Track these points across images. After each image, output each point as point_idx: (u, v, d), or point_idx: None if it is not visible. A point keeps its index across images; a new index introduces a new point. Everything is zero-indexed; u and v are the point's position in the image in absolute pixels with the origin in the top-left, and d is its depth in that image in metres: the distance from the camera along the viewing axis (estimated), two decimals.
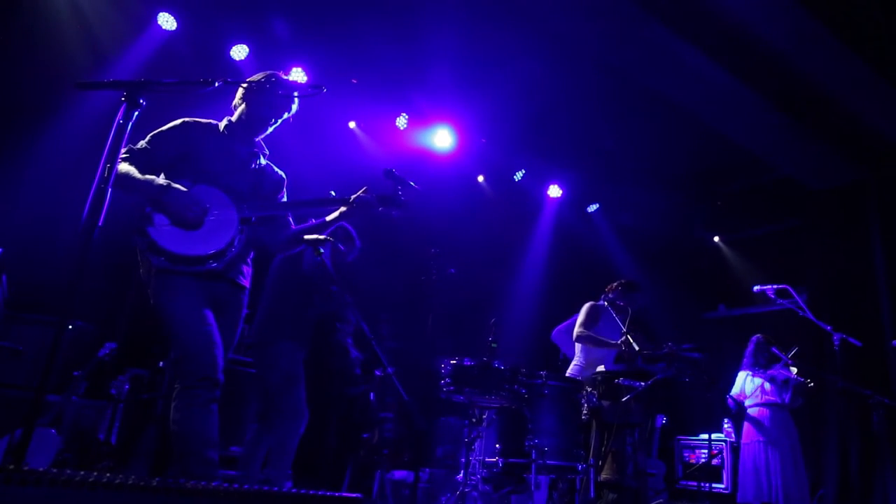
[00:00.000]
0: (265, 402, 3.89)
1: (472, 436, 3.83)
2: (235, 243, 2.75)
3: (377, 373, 5.29)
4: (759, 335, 5.97)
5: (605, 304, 4.93)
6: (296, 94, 3.01)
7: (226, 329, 2.80)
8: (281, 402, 3.76)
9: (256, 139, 3.07)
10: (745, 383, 5.90)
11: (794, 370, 5.60)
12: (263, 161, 3.11)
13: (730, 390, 6.00)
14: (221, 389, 2.65)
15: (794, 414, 5.72)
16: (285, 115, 3.04)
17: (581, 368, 5.06)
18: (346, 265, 4.17)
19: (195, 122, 2.94)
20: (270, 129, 3.07)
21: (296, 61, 6.20)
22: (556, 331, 5.60)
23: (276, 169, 3.17)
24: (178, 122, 2.88)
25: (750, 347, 5.95)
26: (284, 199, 3.15)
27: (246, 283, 2.96)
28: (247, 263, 2.97)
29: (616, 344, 4.79)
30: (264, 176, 3.07)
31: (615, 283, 5.19)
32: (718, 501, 6.50)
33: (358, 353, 4.17)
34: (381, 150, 7.10)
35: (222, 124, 3.02)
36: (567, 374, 5.03)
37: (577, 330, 5.07)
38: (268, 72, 2.99)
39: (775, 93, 6.21)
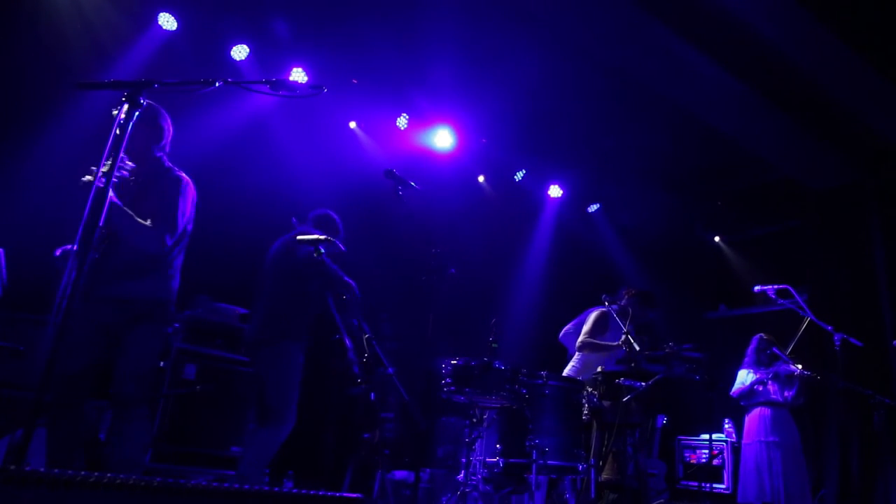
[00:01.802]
0: (260, 401, 3.89)
1: (472, 436, 3.83)
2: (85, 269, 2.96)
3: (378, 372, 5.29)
4: (760, 334, 5.97)
5: (607, 304, 4.93)
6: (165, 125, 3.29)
7: (136, 344, 3.03)
8: (272, 402, 3.77)
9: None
10: (746, 381, 5.89)
11: (798, 366, 5.60)
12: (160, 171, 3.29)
13: (731, 389, 6.00)
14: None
15: (795, 413, 5.72)
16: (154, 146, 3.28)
17: (577, 371, 5.05)
18: (346, 263, 4.17)
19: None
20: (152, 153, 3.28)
21: (296, 61, 6.20)
22: (564, 332, 5.59)
23: (178, 174, 3.32)
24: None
25: (751, 346, 5.96)
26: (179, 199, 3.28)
27: (127, 293, 3.08)
28: (133, 276, 3.10)
29: (616, 345, 4.79)
30: (150, 187, 3.22)
31: (633, 291, 5.17)
32: (719, 501, 6.50)
33: (354, 356, 4.17)
34: (382, 151, 7.10)
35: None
36: (565, 374, 5.03)
37: (581, 338, 5.07)
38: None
39: (776, 93, 6.21)
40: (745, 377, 5.93)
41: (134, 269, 3.12)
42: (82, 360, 2.99)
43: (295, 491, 2.03)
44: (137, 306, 3.09)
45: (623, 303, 5.02)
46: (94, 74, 5.43)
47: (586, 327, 5.11)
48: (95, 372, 3.10)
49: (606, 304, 4.94)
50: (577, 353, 5.19)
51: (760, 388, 5.78)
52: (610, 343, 4.95)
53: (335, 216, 4.34)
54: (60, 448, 2.94)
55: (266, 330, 3.93)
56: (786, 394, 5.67)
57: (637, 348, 4.54)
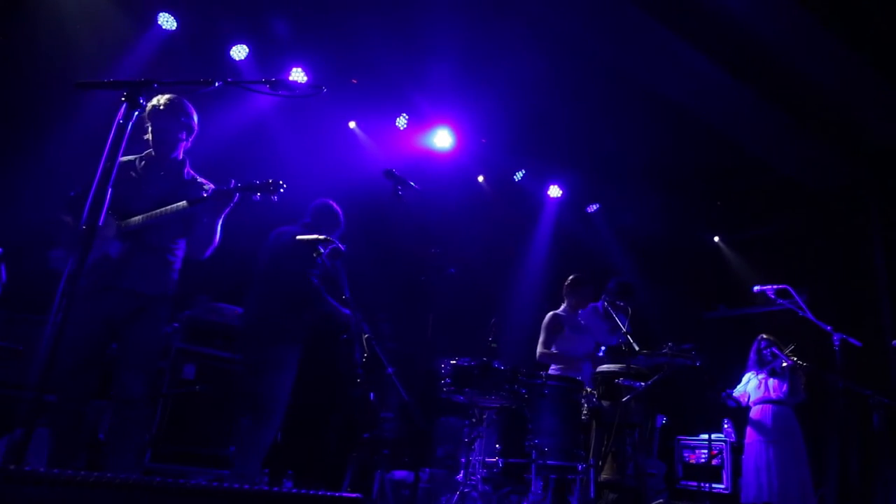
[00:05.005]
0: (253, 399, 3.90)
1: (472, 436, 3.83)
2: (113, 254, 3.05)
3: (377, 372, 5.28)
4: (762, 335, 5.96)
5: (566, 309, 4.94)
6: (194, 117, 3.35)
7: (133, 335, 3.06)
8: (266, 402, 3.79)
9: (170, 158, 3.34)
10: (750, 383, 5.90)
11: (785, 361, 5.61)
12: (186, 177, 3.38)
13: (732, 390, 6.00)
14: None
15: (798, 412, 5.72)
16: (184, 135, 3.35)
17: (562, 369, 5.04)
18: (346, 263, 4.17)
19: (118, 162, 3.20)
20: (179, 149, 3.36)
21: (296, 61, 6.20)
22: None
23: (200, 180, 3.42)
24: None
25: (754, 347, 5.96)
26: None
27: (151, 289, 3.15)
28: (155, 269, 3.18)
29: (571, 359, 4.84)
30: (182, 190, 3.29)
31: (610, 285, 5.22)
32: (718, 501, 6.50)
33: (360, 357, 4.17)
34: (382, 151, 7.09)
35: (142, 155, 3.34)
36: (549, 373, 5.02)
37: (538, 350, 5.09)
38: (169, 96, 3.26)
39: (775, 93, 6.21)
40: (747, 380, 5.94)
41: (152, 266, 3.19)
42: (83, 354, 3.01)
43: (295, 491, 2.03)
44: (143, 299, 3.13)
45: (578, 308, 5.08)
46: (93, 74, 5.42)
47: (541, 338, 5.12)
48: (97, 368, 3.10)
49: (605, 302, 4.94)
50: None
51: (762, 390, 5.77)
52: (566, 356, 4.97)
53: (335, 206, 4.32)
54: (63, 448, 2.94)
55: (259, 329, 3.94)
56: (783, 388, 5.67)
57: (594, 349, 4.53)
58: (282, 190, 3.25)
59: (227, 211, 3.30)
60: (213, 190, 3.30)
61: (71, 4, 5.40)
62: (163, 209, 3.17)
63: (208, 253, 3.38)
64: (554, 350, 5.08)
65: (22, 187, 4.95)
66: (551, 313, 5.23)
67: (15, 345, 4.05)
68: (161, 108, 3.24)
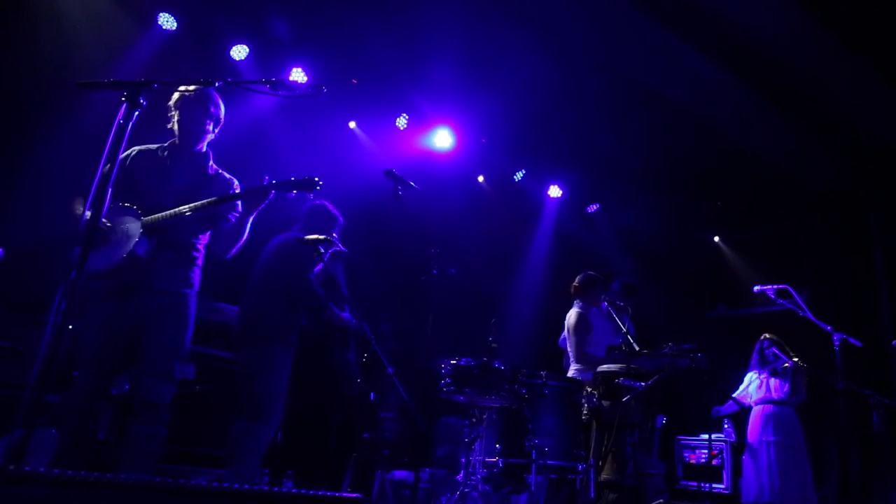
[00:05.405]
0: (249, 399, 3.90)
1: (472, 436, 3.83)
2: (141, 253, 2.97)
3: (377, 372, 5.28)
4: (766, 335, 5.96)
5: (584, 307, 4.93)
6: (222, 109, 3.27)
7: (160, 335, 3.01)
8: (262, 401, 3.79)
9: (195, 149, 3.26)
10: (752, 384, 5.90)
11: (788, 362, 5.61)
12: (210, 171, 3.31)
13: (734, 390, 5.99)
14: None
15: (799, 412, 5.72)
16: (211, 127, 3.26)
17: (581, 371, 5.05)
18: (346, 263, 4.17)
19: (137, 151, 3.20)
20: (204, 140, 3.28)
21: (296, 61, 6.20)
22: (562, 337, 5.59)
23: (226, 175, 3.35)
24: (124, 154, 3.06)
25: (756, 347, 5.96)
26: None
27: (177, 286, 3.12)
28: (180, 266, 3.15)
29: (600, 361, 4.84)
30: (206, 184, 3.23)
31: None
32: (719, 502, 6.50)
33: (354, 355, 4.17)
34: (382, 151, 7.09)
35: (165, 145, 3.27)
36: (568, 375, 5.03)
37: (574, 353, 5.05)
38: (194, 86, 3.17)
39: (776, 93, 6.21)
40: (749, 381, 5.94)
41: (177, 264, 3.14)
42: (106, 354, 2.97)
43: (295, 491, 2.03)
44: (168, 298, 3.08)
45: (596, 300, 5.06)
46: (93, 74, 5.42)
47: (575, 339, 5.07)
48: (116, 369, 3.10)
49: (607, 303, 4.95)
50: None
51: (763, 390, 5.77)
52: (595, 358, 4.96)
53: (330, 206, 4.31)
54: (70, 448, 2.91)
55: (251, 330, 3.94)
56: (785, 388, 5.67)
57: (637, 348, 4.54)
58: (318, 187, 3.13)
59: (260, 208, 3.19)
60: (248, 187, 3.20)
61: (71, 4, 5.40)
62: (193, 205, 3.04)
63: (234, 251, 3.29)
64: (588, 351, 5.06)
65: (22, 188, 4.95)
66: (578, 312, 5.15)
67: (15, 345, 4.05)
68: (190, 96, 3.16)
